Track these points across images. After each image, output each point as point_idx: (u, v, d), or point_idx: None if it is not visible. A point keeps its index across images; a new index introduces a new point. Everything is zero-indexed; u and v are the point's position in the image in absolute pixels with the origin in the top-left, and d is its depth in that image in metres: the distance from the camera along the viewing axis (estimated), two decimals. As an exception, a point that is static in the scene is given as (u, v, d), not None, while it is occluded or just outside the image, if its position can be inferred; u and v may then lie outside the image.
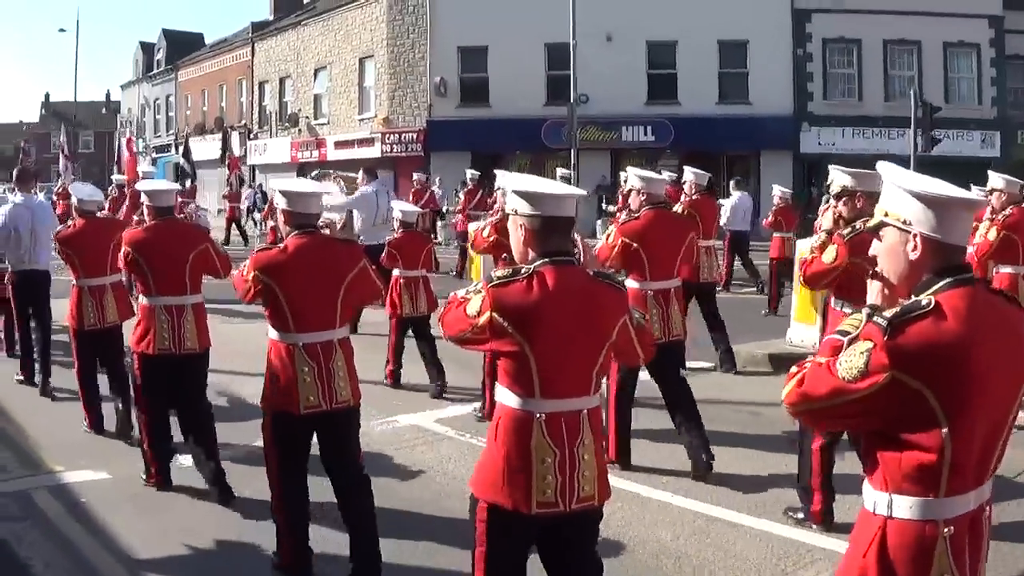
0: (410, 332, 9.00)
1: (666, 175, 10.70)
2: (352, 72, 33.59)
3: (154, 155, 50.20)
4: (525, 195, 3.33)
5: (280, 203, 4.78)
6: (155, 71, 50.79)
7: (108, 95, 61.47)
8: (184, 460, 6.31)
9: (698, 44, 28.91)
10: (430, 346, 8.72)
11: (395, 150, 31.05)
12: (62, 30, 64.67)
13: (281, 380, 4.61)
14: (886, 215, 2.55)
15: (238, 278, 4.76)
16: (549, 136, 28.95)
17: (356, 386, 4.76)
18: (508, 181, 3.49)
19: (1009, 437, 2.48)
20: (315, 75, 35.92)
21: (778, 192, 14.43)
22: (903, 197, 2.50)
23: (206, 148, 42.89)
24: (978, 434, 2.36)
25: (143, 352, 6.01)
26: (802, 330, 10.15)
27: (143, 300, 6.11)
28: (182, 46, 49.45)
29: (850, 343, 2.41)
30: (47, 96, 79.01)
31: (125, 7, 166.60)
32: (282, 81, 38.26)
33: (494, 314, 3.19)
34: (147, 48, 52.63)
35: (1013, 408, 2.45)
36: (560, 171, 20.42)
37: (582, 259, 3.58)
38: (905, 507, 2.40)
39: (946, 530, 2.37)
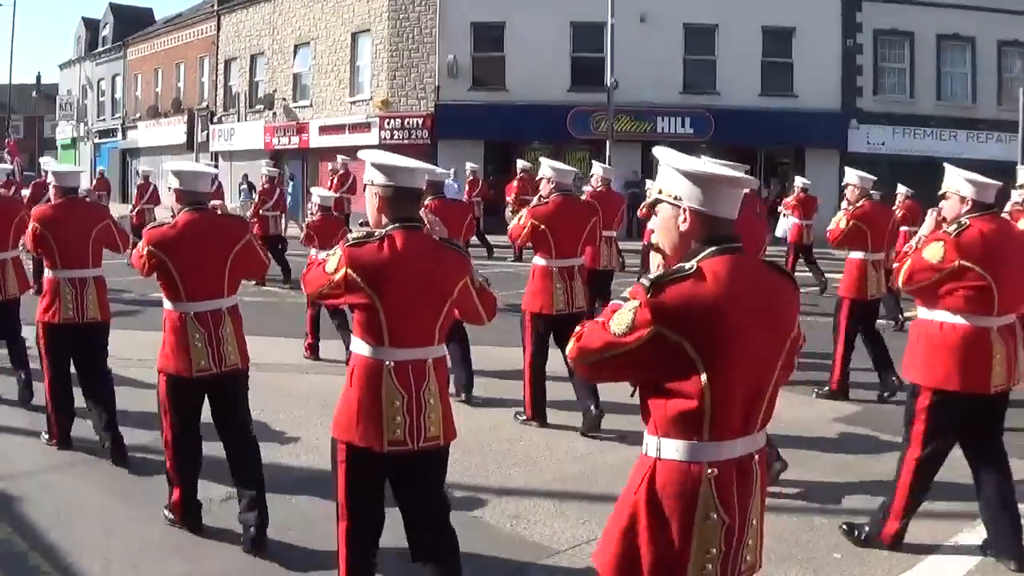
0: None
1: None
2: (342, 49, 29.68)
3: (96, 140, 45.58)
4: (381, 167, 3.71)
5: (172, 183, 5.03)
6: (100, 49, 46.02)
7: (39, 77, 56.27)
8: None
9: (740, 29, 26.03)
10: (342, 315, 9.16)
11: (396, 136, 27.22)
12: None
13: (175, 346, 4.91)
14: (660, 192, 2.74)
15: (135, 256, 5.04)
16: (575, 125, 25.81)
17: (245, 351, 5.09)
18: (367, 154, 3.78)
19: (776, 394, 2.69)
20: (295, 52, 31.89)
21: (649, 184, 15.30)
22: (674, 176, 2.68)
23: (161, 133, 38.74)
24: (738, 385, 2.56)
25: (48, 321, 6.34)
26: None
27: (48, 274, 6.42)
28: (132, 22, 44.69)
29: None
30: (-29, 78, 73.40)
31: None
32: (253, 59, 34.06)
33: (349, 270, 3.58)
34: (91, 24, 47.77)
35: (775, 366, 2.66)
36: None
37: (429, 228, 3.75)
38: (672, 449, 2.60)
39: (710, 471, 2.56)
